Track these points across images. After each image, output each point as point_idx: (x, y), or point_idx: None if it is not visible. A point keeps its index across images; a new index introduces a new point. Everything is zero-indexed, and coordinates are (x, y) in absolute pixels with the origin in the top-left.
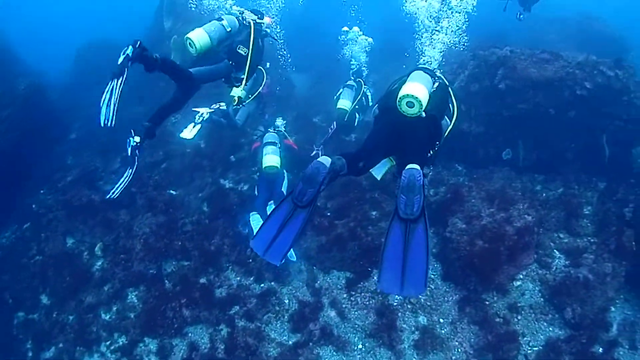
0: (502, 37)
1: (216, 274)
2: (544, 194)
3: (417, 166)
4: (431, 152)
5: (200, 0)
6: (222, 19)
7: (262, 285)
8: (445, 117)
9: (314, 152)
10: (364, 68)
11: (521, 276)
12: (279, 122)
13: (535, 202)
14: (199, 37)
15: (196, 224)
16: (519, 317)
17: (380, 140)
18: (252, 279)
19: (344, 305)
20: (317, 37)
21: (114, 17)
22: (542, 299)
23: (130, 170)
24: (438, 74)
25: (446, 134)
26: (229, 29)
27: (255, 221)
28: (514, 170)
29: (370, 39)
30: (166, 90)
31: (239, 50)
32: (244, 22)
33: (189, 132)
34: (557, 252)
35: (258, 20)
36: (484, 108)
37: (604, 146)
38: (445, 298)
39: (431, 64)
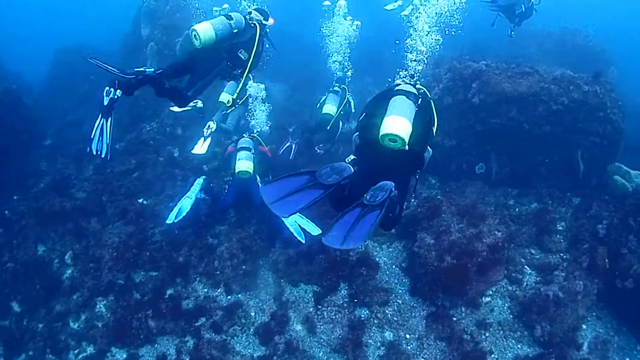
0: (483, 50)
1: (183, 285)
2: (517, 209)
3: (392, 182)
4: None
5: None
6: (231, 18)
7: (229, 297)
8: (428, 147)
9: (287, 144)
10: (348, 73)
11: (490, 292)
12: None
13: (507, 217)
14: (204, 30)
15: (165, 235)
16: (487, 334)
17: (364, 174)
18: (219, 290)
19: (310, 319)
20: (297, 46)
21: (93, 21)
22: (511, 316)
23: (105, 120)
24: (419, 86)
25: (427, 163)
26: (235, 30)
27: (195, 189)
28: (487, 185)
29: (358, 22)
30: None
31: (240, 54)
32: (251, 23)
33: (199, 148)
34: (527, 268)
35: (263, 22)
36: (457, 122)
37: (578, 162)
38: (413, 313)
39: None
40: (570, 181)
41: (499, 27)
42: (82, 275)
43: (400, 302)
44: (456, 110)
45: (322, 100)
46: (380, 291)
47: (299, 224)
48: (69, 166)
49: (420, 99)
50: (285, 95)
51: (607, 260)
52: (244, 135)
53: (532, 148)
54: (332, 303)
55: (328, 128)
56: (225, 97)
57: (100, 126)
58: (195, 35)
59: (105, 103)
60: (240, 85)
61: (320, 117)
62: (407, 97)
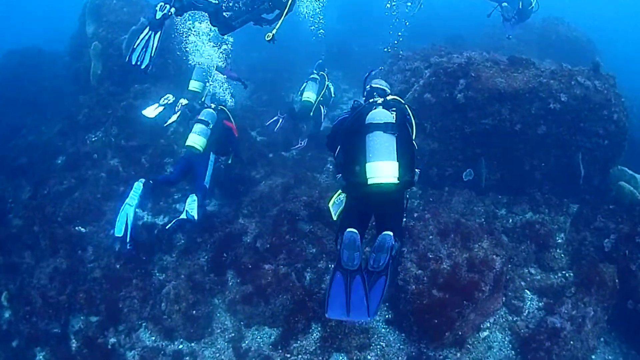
0: (459, 43)
1: (127, 333)
2: (510, 220)
3: (390, 233)
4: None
5: None
6: None
7: (180, 347)
8: (416, 170)
9: (298, 145)
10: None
11: (488, 324)
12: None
13: (501, 233)
14: None
15: (106, 269)
16: None
17: (358, 212)
18: (168, 339)
19: None
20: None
21: (40, 22)
22: (513, 352)
23: (153, 33)
24: (391, 97)
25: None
26: None
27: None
28: (475, 192)
29: None
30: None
31: None
32: None
33: (151, 111)
34: (528, 293)
35: None
36: (441, 122)
37: (579, 166)
38: (399, 358)
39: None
40: (568, 187)
41: (478, 19)
42: (18, 320)
43: (383, 344)
44: (439, 109)
45: (301, 88)
46: (359, 333)
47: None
48: (6, 187)
49: (396, 115)
50: (246, 95)
51: (617, 280)
52: (210, 105)
53: (527, 151)
54: (303, 349)
55: (311, 114)
56: (195, 84)
57: (146, 38)
58: None
59: (158, 17)
60: (280, 22)
61: (300, 104)
62: (384, 132)
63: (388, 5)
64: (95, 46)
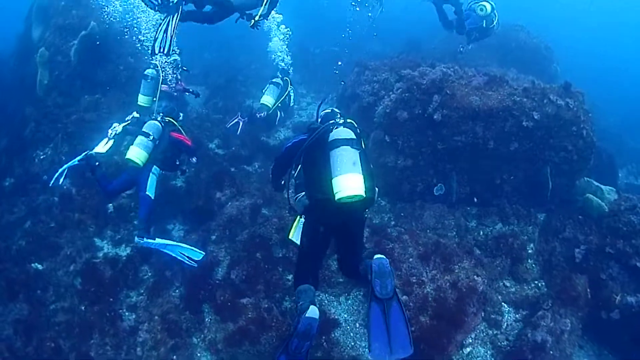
0: (417, 47)
1: None
2: (481, 232)
3: (382, 255)
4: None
5: None
6: None
7: None
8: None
9: (234, 120)
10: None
11: (470, 340)
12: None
13: (474, 246)
14: None
15: (70, 313)
16: None
17: (322, 236)
18: None
19: None
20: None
21: None
22: None
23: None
24: (350, 121)
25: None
26: None
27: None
28: (445, 205)
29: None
30: None
31: None
32: None
33: (102, 147)
34: (505, 306)
35: None
36: (414, 139)
37: (547, 179)
38: None
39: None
40: (534, 197)
41: (435, 24)
42: None
43: None
44: (412, 125)
45: (263, 91)
46: None
47: (182, 253)
48: None
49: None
50: (201, 100)
51: (588, 290)
52: (156, 117)
53: (498, 166)
54: None
55: (264, 115)
56: (143, 99)
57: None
58: None
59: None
60: (262, 7)
61: (258, 107)
62: (351, 147)
63: (351, 9)
64: (42, 53)
